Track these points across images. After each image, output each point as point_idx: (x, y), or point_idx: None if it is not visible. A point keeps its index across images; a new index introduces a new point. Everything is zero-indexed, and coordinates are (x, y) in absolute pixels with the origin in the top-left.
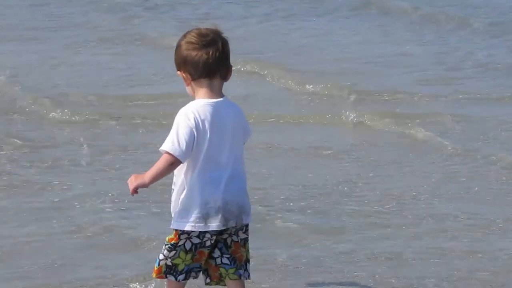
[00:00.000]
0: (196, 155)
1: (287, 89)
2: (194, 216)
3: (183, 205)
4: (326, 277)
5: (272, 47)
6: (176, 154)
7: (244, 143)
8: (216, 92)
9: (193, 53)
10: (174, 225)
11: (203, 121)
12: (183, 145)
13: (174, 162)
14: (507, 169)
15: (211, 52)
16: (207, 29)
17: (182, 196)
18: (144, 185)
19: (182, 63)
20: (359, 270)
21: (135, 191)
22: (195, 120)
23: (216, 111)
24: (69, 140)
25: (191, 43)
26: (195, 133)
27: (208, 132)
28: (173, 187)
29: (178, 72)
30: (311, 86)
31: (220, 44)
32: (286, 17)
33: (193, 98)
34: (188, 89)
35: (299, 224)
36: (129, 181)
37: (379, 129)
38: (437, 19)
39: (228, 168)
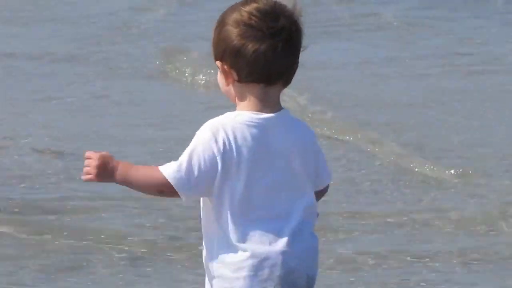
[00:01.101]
0: (229, 199)
1: None
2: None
3: (220, 275)
4: None
5: None
6: (178, 186)
7: (316, 189)
8: (272, 102)
9: (251, 45)
10: None
11: (239, 148)
12: (193, 178)
13: (169, 193)
14: None
15: (279, 47)
16: (273, 3)
17: (216, 263)
18: (109, 181)
19: (230, 55)
20: None
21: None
22: (224, 145)
23: (264, 133)
24: None
25: (251, 26)
26: (219, 165)
27: (247, 166)
28: (203, 244)
29: (218, 63)
30: None
31: (292, 32)
32: None
33: (228, 106)
34: (226, 89)
35: None
36: (90, 158)
37: None
38: None
39: (291, 219)
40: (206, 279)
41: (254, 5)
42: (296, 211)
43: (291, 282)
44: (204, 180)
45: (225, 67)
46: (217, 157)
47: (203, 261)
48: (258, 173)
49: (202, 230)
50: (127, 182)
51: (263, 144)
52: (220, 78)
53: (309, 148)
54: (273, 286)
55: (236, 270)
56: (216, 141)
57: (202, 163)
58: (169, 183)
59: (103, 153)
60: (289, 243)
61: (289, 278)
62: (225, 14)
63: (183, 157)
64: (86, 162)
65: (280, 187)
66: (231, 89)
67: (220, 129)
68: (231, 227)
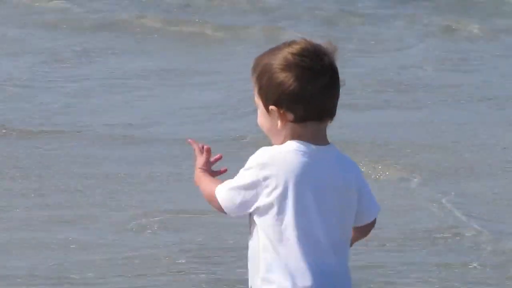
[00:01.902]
0: (279, 223)
1: None
2: None
3: None
4: None
5: None
6: (227, 210)
7: (357, 228)
8: (322, 137)
9: (309, 87)
10: None
11: (285, 176)
12: (236, 204)
13: (221, 211)
14: None
15: (330, 84)
16: (313, 43)
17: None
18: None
19: (289, 98)
20: None
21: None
22: (273, 172)
23: (313, 162)
24: None
25: (303, 68)
26: (267, 189)
27: (294, 193)
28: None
29: (273, 107)
30: None
31: (335, 68)
32: None
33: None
34: (276, 131)
35: None
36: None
37: None
38: None
39: (329, 255)
40: None
41: (298, 46)
42: (336, 247)
43: None
44: (246, 207)
45: (281, 111)
46: (262, 183)
47: None
48: (306, 202)
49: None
50: (200, 186)
51: (314, 174)
52: (266, 121)
53: (353, 184)
54: None
55: None
56: (262, 168)
57: (247, 192)
58: (220, 206)
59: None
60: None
61: None
62: (267, 58)
63: (235, 183)
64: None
65: (325, 217)
66: (283, 130)
67: (268, 158)
68: (284, 254)
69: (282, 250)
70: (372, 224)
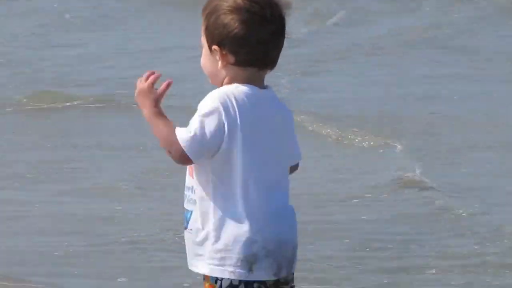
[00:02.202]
0: (231, 164)
1: None
2: (235, 257)
3: (221, 240)
4: None
5: None
6: (188, 151)
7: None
8: (261, 84)
9: (255, 32)
10: (206, 270)
11: (242, 115)
12: (205, 143)
13: (180, 158)
14: None
15: (277, 34)
16: None
17: (216, 228)
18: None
19: (233, 40)
20: None
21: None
22: (229, 111)
23: (260, 103)
24: None
25: (253, 13)
26: (226, 129)
27: (248, 134)
28: (193, 214)
29: (215, 47)
30: None
31: (283, 20)
32: None
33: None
34: (216, 71)
35: None
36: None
37: None
38: None
39: (280, 190)
40: None
41: None
42: (282, 182)
43: (282, 253)
44: (214, 146)
45: (223, 52)
46: (225, 123)
47: None
48: (259, 139)
49: (194, 197)
50: (150, 124)
51: (262, 113)
52: (208, 60)
53: (289, 125)
54: (265, 253)
55: (237, 235)
56: (223, 106)
57: (213, 130)
58: (181, 148)
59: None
60: (281, 214)
61: (281, 249)
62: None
63: (195, 125)
64: (142, 79)
65: (273, 153)
66: (222, 71)
67: (226, 98)
68: (240, 191)
69: (236, 192)
70: (296, 167)
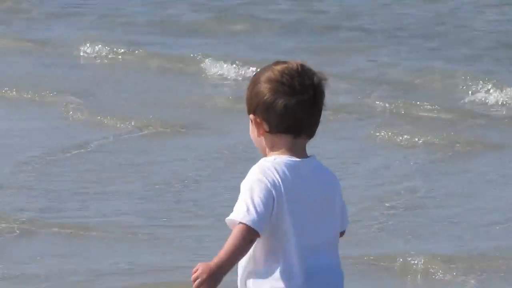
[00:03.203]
0: (279, 230)
1: None
2: None
3: None
4: None
5: None
6: (253, 224)
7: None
8: (300, 151)
9: (282, 100)
10: None
11: (285, 184)
12: (261, 212)
13: (252, 235)
14: None
15: (306, 102)
16: (302, 66)
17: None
18: (210, 277)
19: (263, 108)
20: None
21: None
22: (274, 180)
23: (300, 174)
24: None
25: (282, 83)
26: (275, 197)
27: (292, 201)
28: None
29: (251, 116)
30: None
31: (317, 91)
32: None
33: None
34: (258, 140)
35: None
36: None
37: None
38: None
39: (324, 256)
40: None
41: (285, 65)
42: (321, 247)
43: None
44: (269, 213)
45: (258, 120)
46: (272, 191)
47: None
48: (296, 208)
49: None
50: (229, 264)
51: (301, 181)
52: (252, 130)
53: (335, 193)
54: None
55: None
56: (267, 178)
57: (264, 198)
58: (246, 226)
59: (206, 273)
60: (315, 279)
61: None
62: (259, 73)
63: (246, 200)
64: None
65: (312, 223)
66: (262, 140)
67: (266, 170)
68: (283, 258)
69: (280, 254)
70: (342, 234)
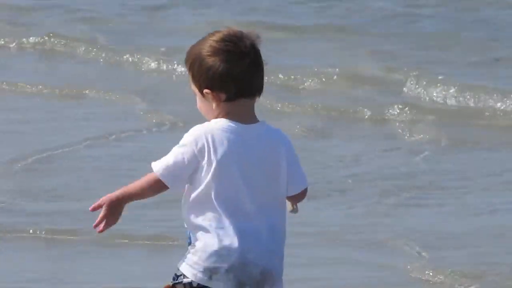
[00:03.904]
0: (205, 191)
1: None
2: (200, 264)
3: (196, 246)
4: None
5: None
6: (165, 179)
7: (292, 196)
8: (249, 115)
9: (235, 67)
10: (179, 264)
11: (215, 149)
12: (178, 171)
13: (160, 187)
14: None
15: (253, 63)
16: (234, 30)
17: (194, 235)
18: (110, 202)
19: (219, 80)
20: None
21: (96, 209)
22: (204, 145)
23: (239, 140)
24: None
25: (228, 51)
26: (200, 161)
27: (219, 165)
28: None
29: (207, 91)
30: None
31: (257, 50)
32: None
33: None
34: (212, 111)
35: None
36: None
37: None
38: None
39: (254, 219)
40: None
41: (220, 34)
42: (262, 212)
43: (245, 272)
44: (185, 173)
45: (214, 93)
46: (197, 155)
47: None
48: (232, 172)
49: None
50: (130, 197)
51: (239, 148)
52: (202, 104)
53: (281, 157)
54: (226, 268)
55: (204, 245)
56: (196, 141)
57: (185, 160)
58: (157, 177)
59: (106, 200)
60: (249, 240)
61: (244, 268)
62: (195, 49)
63: (169, 156)
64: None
65: (251, 186)
66: (216, 110)
67: (201, 133)
68: (210, 214)
69: (208, 212)
70: (301, 195)
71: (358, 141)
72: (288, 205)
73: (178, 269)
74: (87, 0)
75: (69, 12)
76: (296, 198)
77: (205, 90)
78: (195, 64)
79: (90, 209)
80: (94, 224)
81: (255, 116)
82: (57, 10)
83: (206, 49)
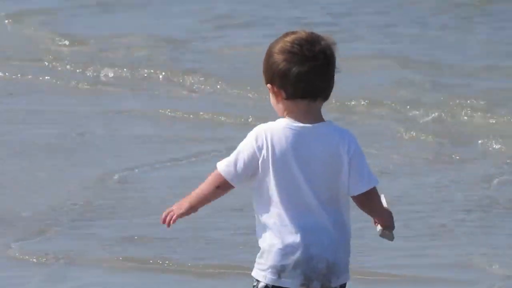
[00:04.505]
0: (267, 188)
1: None
2: (268, 264)
3: (261, 248)
4: None
5: None
6: (228, 176)
7: (353, 198)
8: (313, 115)
9: (295, 68)
10: (253, 271)
11: (273, 146)
12: (240, 168)
13: (224, 185)
14: None
15: (317, 68)
16: (311, 34)
17: (260, 236)
18: (181, 215)
19: (278, 77)
20: None
21: (170, 223)
22: (263, 142)
23: (299, 138)
24: None
25: (293, 53)
26: (259, 158)
27: (278, 161)
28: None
29: (269, 86)
30: None
31: (327, 56)
32: None
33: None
34: (277, 106)
35: None
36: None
37: None
38: None
39: (318, 214)
40: None
41: (294, 35)
42: (325, 207)
43: (311, 266)
44: (248, 171)
45: (275, 88)
46: (257, 153)
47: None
48: (292, 170)
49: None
50: (193, 201)
51: (299, 148)
52: (271, 98)
53: (343, 155)
54: (293, 265)
55: (270, 246)
56: (256, 140)
57: (246, 157)
58: (221, 176)
59: (178, 210)
60: (313, 234)
61: (310, 263)
62: (271, 45)
63: (232, 157)
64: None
65: (313, 183)
66: (280, 106)
67: (261, 132)
68: (274, 211)
69: (271, 210)
70: (366, 198)
71: None
72: (378, 227)
73: (252, 277)
74: None
75: None
76: (358, 201)
77: (268, 85)
78: (265, 59)
79: (161, 222)
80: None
81: (321, 116)
82: None
83: (277, 47)
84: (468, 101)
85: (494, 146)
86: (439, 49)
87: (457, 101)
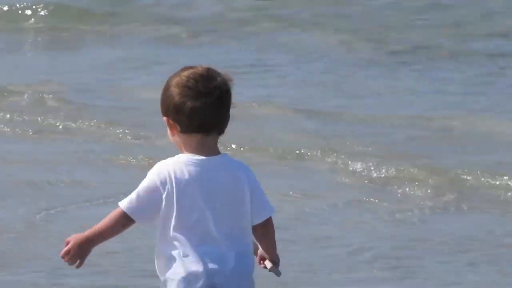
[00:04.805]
0: (170, 221)
1: None
2: None
3: (165, 277)
4: None
5: None
6: (128, 210)
7: (254, 227)
8: (209, 148)
9: (189, 103)
10: None
11: (177, 180)
12: (143, 203)
13: (125, 220)
14: None
15: (212, 104)
16: (207, 70)
17: (163, 267)
18: (79, 245)
19: (173, 110)
20: None
21: (66, 256)
22: (166, 178)
23: (201, 171)
24: None
25: (188, 88)
26: (163, 193)
27: (182, 195)
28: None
29: (164, 118)
30: None
31: (223, 92)
32: None
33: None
34: (173, 139)
35: None
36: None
37: None
38: None
39: (221, 245)
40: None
41: (191, 70)
42: (229, 237)
43: None
44: (151, 208)
45: (170, 121)
46: (160, 189)
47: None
48: (196, 202)
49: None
50: (99, 238)
51: (201, 180)
52: (168, 131)
53: (244, 183)
54: None
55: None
56: (159, 177)
57: (149, 193)
58: (123, 212)
59: (75, 240)
60: (218, 263)
61: None
62: (169, 79)
63: (134, 193)
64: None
65: (216, 214)
66: (176, 139)
67: (161, 169)
68: (178, 241)
69: (175, 243)
70: (267, 225)
71: None
72: (267, 263)
73: None
74: None
75: None
76: (260, 230)
77: (164, 118)
78: (163, 91)
79: (60, 254)
80: (60, 253)
81: (217, 149)
82: None
83: (174, 80)
84: None
85: None
86: None
87: None
